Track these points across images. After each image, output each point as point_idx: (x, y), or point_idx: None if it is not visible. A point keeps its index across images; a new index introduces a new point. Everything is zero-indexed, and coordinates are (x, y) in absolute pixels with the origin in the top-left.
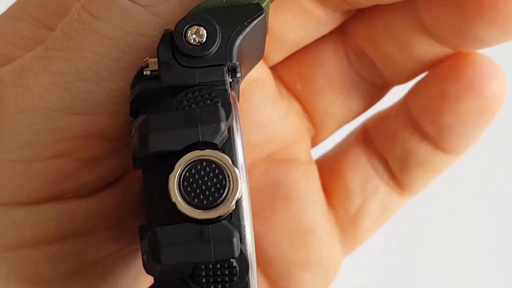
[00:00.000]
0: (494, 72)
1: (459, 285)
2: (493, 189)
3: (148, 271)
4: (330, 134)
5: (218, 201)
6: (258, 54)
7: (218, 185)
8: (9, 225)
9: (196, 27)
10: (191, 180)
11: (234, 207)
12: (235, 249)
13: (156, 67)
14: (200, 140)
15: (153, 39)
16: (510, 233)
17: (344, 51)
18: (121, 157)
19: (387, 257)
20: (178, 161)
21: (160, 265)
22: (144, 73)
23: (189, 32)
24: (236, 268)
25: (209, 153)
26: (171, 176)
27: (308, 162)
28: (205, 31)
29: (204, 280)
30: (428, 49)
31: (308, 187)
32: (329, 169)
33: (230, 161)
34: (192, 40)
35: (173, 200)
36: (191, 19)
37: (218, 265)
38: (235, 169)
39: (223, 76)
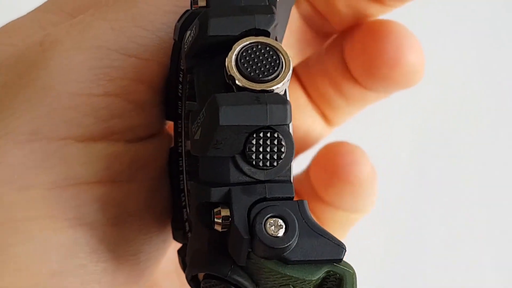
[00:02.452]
0: (409, 43)
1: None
2: (493, 189)
3: (196, 148)
4: None
5: (273, 75)
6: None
7: (272, 63)
8: (59, 161)
9: None
10: (247, 58)
11: (285, 87)
12: (288, 115)
13: (204, 3)
14: (256, 27)
15: None
16: (510, 234)
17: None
18: (162, 112)
19: (387, 258)
20: (235, 43)
21: (218, 128)
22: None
23: None
24: (284, 146)
25: (264, 39)
26: (229, 54)
27: None
28: None
29: (254, 156)
30: None
31: None
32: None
33: (283, 47)
34: None
35: (230, 73)
36: None
37: (268, 141)
38: (287, 51)
39: None
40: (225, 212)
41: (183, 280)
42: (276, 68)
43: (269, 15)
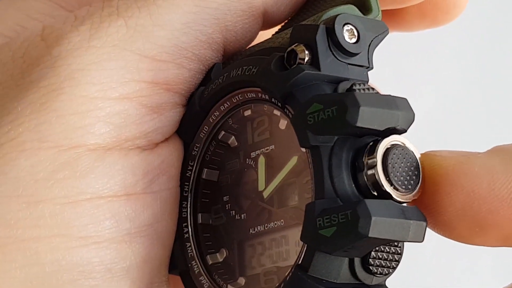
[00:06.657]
0: None
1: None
2: None
3: (321, 245)
4: None
5: (413, 189)
6: None
7: (414, 176)
8: (71, 173)
9: (350, 26)
10: (394, 163)
11: None
12: (424, 234)
13: (304, 56)
14: (398, 126)
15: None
16: None
17: None
18: (179, 114)
19: None
20: (380, 142)
21: (365, 239)
22: (299, 60)
23: (345, 29)
24: (400, 258)
25: (409, 144)
26: (377, 156)
27: None
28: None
29: (374, 263)
30: None
31: None
32: None
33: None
34: (347, 38)
35: (377, 177)
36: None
37: (393, 254)
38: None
39: (367, 77)
40: None
41: None
42: (416, 183)
43: (411, 114)
